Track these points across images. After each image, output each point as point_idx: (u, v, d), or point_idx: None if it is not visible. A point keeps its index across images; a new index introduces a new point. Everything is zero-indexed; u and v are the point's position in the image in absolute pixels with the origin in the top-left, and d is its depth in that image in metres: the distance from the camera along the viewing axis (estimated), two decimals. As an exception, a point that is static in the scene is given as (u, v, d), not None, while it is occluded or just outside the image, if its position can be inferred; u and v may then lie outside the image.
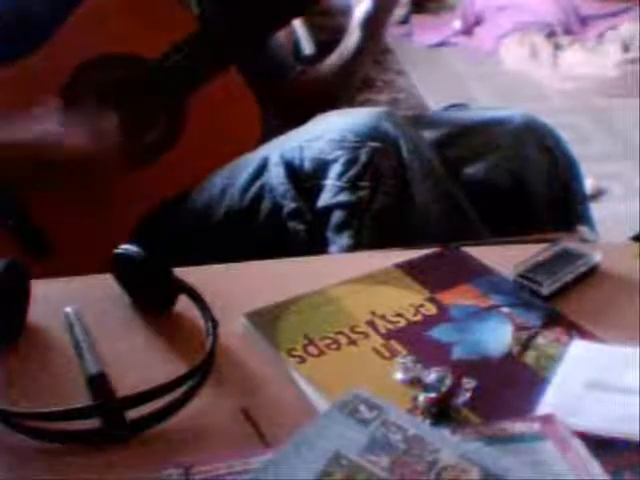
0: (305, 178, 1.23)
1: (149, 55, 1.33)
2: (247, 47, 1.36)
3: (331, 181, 1.20)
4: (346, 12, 1.64)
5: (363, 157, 1.18)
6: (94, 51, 1.32)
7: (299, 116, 1.36)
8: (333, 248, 1.20)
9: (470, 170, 1.33)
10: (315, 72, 1.56)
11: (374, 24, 1.46)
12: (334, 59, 1.52)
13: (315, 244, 1.21)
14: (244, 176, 1.27)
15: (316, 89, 1.54)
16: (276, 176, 1.24)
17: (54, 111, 1.25)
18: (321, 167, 1.21)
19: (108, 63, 1.33)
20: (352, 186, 1.19)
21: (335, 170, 1.20)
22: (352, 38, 1.48)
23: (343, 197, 1.19)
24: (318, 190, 1.22)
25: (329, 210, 1.20)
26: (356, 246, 1.18)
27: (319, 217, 1.21)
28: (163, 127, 1.36)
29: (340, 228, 1.20)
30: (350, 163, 1.19)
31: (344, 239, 1.19)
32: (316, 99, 1.53)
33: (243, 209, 1.27)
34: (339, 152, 1.20)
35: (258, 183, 1.26)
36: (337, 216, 1.20)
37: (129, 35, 1.34)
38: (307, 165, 1.23)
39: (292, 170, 1.23)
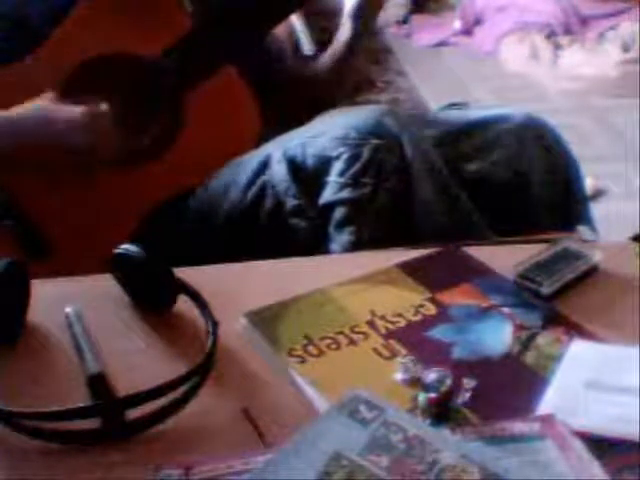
0: (307, 175, 1.23)
1: (147, 54, 1.33)
2: (244, 44, 1.36)
3: (333, 178, 1.20)
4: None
5: (365, 154, 1.18)
6: (92, 51, 1.32)
7: (299, 115, 1.36)
8: (335, 245, 1.20)
9: (471, 168, 1.32)
10: (311, 70, 1.56)
11: (364, 15, 1.46)
12: (328, 55, 1.53)
13: (317, 241, 1.21)
14: (246, 174, 1.27)
15: (313, 87, 1.54)
16: (278, 173, 1.24)
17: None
18: (323, 164, 1.21)
19: (106, 63, 1.33)
20: (354, 183, 1.19)
21: (337, 167, 1.20)
22: (343, 31, 1.48)
23: (345, 194, 1.19)
24: (320, 187, 1.21)
25: (331, 207, 1.20)
26: (357, 243, 1.18)
27: (321, 214, 1.21)
28: (162, 126, 1.36)
29: (342, 225, 1.20)
30: (352, 160, 1.19)
31: (345, 236, 1.19)
32: (314, 97, 1.53)
33: (245, 207, 1.27)
34: (341, 149, 1.20)
35: (260, 180, 1.26)
36: (339, 213, 1.20)
37: (127, 35, 1.34)
38: (309, 162, 1.23)
39: (294, 167, 1.23)
